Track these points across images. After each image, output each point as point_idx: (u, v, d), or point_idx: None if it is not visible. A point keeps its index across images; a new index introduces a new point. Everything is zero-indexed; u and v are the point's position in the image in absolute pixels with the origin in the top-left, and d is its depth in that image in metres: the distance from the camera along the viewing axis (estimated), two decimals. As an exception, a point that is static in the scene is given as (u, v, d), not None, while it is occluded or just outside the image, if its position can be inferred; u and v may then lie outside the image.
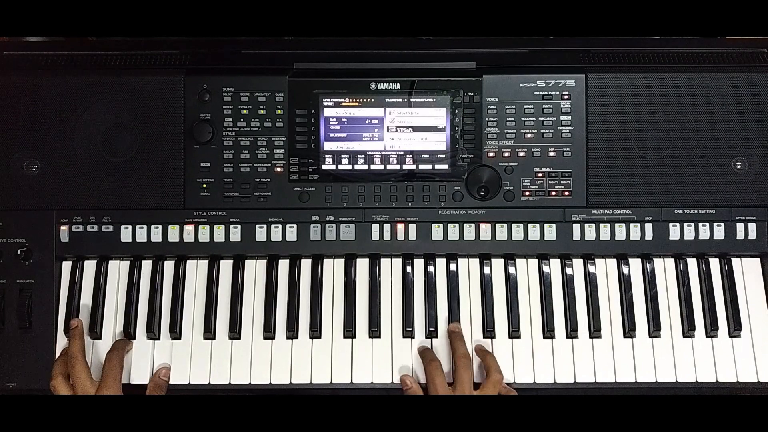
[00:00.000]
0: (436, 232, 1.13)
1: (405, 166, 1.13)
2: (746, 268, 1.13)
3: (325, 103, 1.13)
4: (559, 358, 1.09)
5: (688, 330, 1.10)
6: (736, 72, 1.13)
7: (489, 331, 1.10)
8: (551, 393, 1.08)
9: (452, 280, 1.12)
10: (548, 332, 1.10)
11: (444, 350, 1.09)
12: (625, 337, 1.10)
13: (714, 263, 1.14)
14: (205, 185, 1.13)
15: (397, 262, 1.13)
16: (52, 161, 1.12)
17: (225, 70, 1.14)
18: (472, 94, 1.13)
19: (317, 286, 1.12)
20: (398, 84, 1.13)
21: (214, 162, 1.13)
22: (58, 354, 1.09)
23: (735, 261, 1.14)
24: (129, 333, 1.10)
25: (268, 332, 1.10)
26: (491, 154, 1.13)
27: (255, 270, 1.13)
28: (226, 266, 1.13)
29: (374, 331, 1.10)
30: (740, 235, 1.12)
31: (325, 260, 1.13)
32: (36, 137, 1.12)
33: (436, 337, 1.10)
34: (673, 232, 1.12)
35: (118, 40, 1.19)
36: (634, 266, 1.13)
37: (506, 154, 1.13)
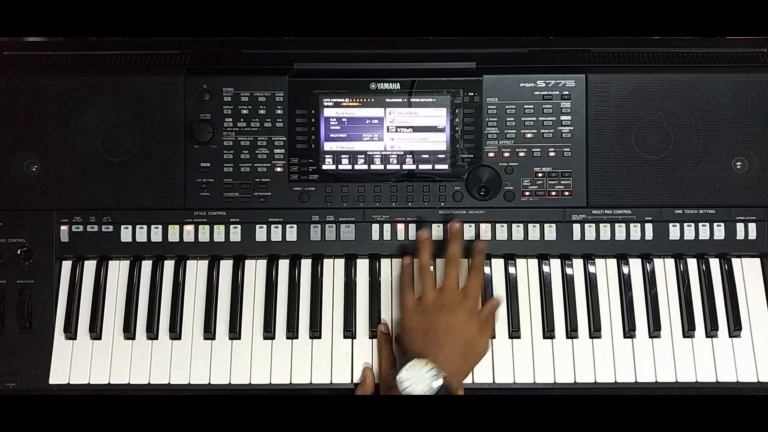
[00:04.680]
0: (436, 232, 1.12)
1: (405, 166, 1.13)
2: (746, 268, 1.13)
3: (325, 103, 1.13)
4: (559, 358, 1.09)
5: (688, 330, 1.10)
6: (736, 72, 1.13)
7: (489, 331, 1.10)
8: (551, 393, 1.08)
9: (452, 280, 1.12)
10: (548, 332, 1.10)
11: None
12: (625, 337, 1.10)
13: (714, 263, 1.13)
14: (205, 185, 1.13)
15: (398, 262, 1.13)
16: (52, 161, 1.12)
17: (225, 70, 1.14)
18: (472, 94, 1.13)
19: (317, 286, 1.12)
20: (398, 84, 1.13)
21: (214, 162, 1.13)
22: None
23: (735, 261, 1.14)
24: (129, 333, 1.10)
25: (268, 332, 1.10)
26: (491, 154, 1.13)
27: (255, 270, 1.13)
28: (226, 266, 1.13)
29: (374, 331, 1.10)
30: (740, 235, 1.12)
31: (325, 260, 1.13)
32: (36, 137, 1.12)
33: (436, 337, 1.10)
34: (673, 232, 1.12)
35: (118, 40, 1.19)
36: (634, 266, 1.13)
37: (506, 154, 1.13)
